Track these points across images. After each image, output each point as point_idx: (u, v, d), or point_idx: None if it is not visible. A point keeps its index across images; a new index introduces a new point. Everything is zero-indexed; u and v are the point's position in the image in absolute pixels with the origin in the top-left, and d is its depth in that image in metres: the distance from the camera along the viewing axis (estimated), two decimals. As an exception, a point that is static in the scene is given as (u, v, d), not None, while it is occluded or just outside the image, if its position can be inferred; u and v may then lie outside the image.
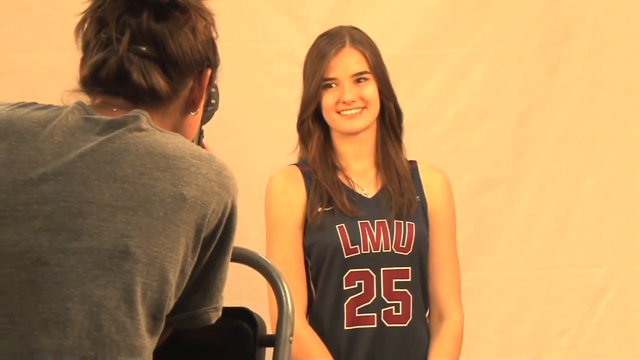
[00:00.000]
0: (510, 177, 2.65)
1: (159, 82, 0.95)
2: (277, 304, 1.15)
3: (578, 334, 2.62)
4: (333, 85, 1.83)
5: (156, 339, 0.92)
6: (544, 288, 2.64)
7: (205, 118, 1.13)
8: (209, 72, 1.05)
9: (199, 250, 0.92)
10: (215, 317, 0.99)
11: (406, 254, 1.82)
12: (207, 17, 1.03)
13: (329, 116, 1.84)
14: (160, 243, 0.86)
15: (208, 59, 1.04)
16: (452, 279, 1.89)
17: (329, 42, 1.86)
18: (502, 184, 2.65)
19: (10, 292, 0.83)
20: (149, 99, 0.96)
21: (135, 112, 0.93)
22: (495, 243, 2.64)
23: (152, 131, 0.92)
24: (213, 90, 1.11)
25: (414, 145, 2.09)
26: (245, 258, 1.18)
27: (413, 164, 1.93)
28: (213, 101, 1.13)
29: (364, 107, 1.81)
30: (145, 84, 0.94)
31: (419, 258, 1.83)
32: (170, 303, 0.90)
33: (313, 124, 1.86)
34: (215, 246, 0.94)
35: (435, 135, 2.66)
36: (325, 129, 1.89)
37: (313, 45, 1.90)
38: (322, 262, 1.81)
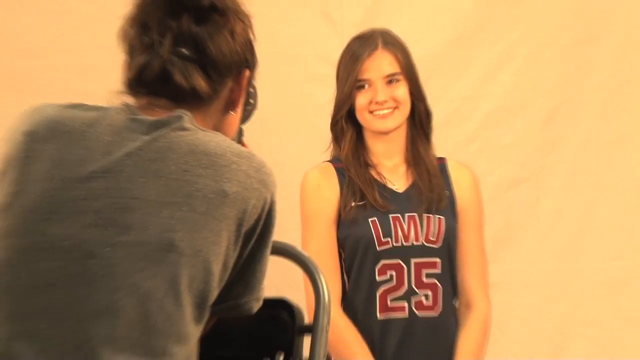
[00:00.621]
0: (537, 174, 2.65)
1: (200, 83, 0.97)
2: (314, 295, 1.18)
3: (603, 326, 2.61)
4: (366, 86, 1.85)
5: (201, 327, 0.94)
6: (569, 281, 2.64)
7: (245, 117, 1.14)
8: (247, 73, 1.07)
9: (240, 243, 0.94)
10: (256, 307, 1.02)
11: (436, 246, 1.84)
12: (244, 20, 1.04)
13: (362, 116, 1.86)
14: (204, 237, 0.89)
15: (246, 60, 1.05)
16: (480, 270, 1.91)
17: (362, 45, 1.88)
18: (529, 181, 2.65)
19: (61, 285, 0.86)
20: (191, 100, 0.98)
21: (178, 112, 0.95)
22: (523, 237, 2.64)
23: (194, 130, 0.94)
24: (251, 90, 1.12)
25: (445, 143, 2.11)
26: (284, 251, 1.21)
27: (442, 160, 1.95)
28: (252, 101, 1.14)
29: (396, 107, 1.84)
30: (186, 85, 0.96)
31: (448, 250, 1.85)
32: (214, 293, 0.92)
33: (346, 124, 1.89)
34: (255, 240, 0.97)
35: (465, 133, 2.66)
36: (358, 128, 1.91)
37: (346, 48, 1.91)
38: (355, 254, 1.84)
